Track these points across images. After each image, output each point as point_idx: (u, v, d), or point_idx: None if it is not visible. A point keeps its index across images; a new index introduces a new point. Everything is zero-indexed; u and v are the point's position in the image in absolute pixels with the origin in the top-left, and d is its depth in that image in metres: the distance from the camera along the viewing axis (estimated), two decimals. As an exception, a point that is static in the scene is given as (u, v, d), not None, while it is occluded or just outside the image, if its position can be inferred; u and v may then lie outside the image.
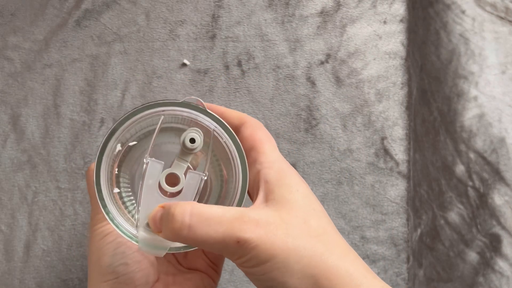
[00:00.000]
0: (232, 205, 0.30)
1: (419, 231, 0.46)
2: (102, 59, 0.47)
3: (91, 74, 0.47)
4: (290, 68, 0.47)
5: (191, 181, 0.28)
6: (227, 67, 0.47)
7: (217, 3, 0.49)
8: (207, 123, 0.30)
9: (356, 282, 0.27)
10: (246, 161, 0.30)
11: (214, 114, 0.30)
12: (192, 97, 0.30)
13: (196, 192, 0.28)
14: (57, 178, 0.44)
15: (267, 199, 0.28)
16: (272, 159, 0.30)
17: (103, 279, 0.30)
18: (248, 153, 0.31)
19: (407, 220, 0.45)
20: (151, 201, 0.27)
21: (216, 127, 0.30)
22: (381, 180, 0.46)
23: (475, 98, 0.45)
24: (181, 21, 0.48)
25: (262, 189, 0.29)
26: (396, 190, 0.46)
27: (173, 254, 0.35)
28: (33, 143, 0.45)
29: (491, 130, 0.44)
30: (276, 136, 0.46)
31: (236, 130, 0.31)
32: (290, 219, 0.27)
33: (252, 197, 0.30)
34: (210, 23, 0.48)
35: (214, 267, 0.35)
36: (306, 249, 0.26)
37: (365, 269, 0.28)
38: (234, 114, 0.33)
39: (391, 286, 0.44)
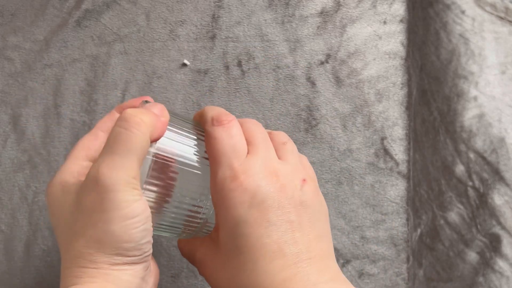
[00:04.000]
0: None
1: (419, 231, 0.46)
2: (102, 59, 0.47)
3: (91, 74, 0.47)
4: (290, 68, 0.48)
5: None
6: (227, 67, 0.47)
7: (217, 3, 0.49)
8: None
9: None
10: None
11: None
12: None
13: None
14: (57, 178, 0.44)
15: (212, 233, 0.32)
16: (212, 187, 0.30)
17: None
18: None
19: (407, 220, 0.45)
20: None
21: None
22: (381, 180, 0.46)
23: (475, 98, 0.45)
24: (181, 21, 0.48)
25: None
26: (396, 190, 0.46)
27: None
28: (33, 143, 0.45)
29: (491, 130, 0.44)
30: (276, 136, 0.46)
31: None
32: (216, 258, 0.31)
33: None
34: (210, 23, 0.48)
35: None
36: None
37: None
38: (203, 117, 0.33)
39: (391, 286, 0.44)
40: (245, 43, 0.48)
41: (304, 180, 0.31)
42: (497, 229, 0.42)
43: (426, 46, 0.48)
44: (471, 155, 0.44)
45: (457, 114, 0.45)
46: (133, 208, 0.27)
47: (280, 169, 0.30)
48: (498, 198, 0.43)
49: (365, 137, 0.47)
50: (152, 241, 0.30)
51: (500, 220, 0.42)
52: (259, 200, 0.28)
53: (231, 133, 0.30)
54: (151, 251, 0.30)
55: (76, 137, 0.45)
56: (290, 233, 0.28)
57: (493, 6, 0.48)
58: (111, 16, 0.48)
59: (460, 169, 0.44)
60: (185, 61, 0.47)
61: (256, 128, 0.32)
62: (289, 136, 0.34)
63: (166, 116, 0.31)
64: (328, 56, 0.48)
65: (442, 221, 0.44)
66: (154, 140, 0.30)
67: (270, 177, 0.29)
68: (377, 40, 0.49)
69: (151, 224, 0.29)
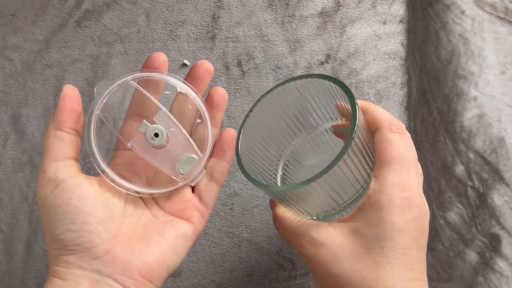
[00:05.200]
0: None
1: (419, 231, 0.46)
2: (102, 60, 0.47)
3: (91, 74, 0.47)
4: (290, 68, 0.48)
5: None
6: (227, 67, 0.47)
7: (217, 4, 0.49)
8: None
9: None
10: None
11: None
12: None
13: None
14: (57, 178, 0.45)
15: (350, 222, 0.32)
16: (376, 189, 0.30)
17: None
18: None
19: (407, 220, 0.45)
20: None
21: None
22: (381, 180, 0.46)
23: (475, 98, 0.45)
24: (181, 21, 0.48)
25: (360, 210, 0.31)
26: (396, 190, 0.46)
27: (153, 198, 0.35)
28: (33, 143, 0.45)
29: (491, 130, 0.44)
30: (276, 136, 0.46)
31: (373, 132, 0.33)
32: (346, 248, 0.30)
33: None
34: (210, 24, 0.48)
35: (202, 210, 0.34)
36: (352, 281, 0.30)
37: None
38: (376, 116, 0.33)
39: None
40: (245, 43, 0.48)
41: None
42: (497, 229, 0.42)
43: (426, 46, 0.48)
44: (471, 155, 0.44)
45: (457, 114, 0.45)
46: (49, 200, 0.31)
47: (421, 191, 0.32)
48: (498, 198, 0.43)
49: (365, 137, 0.47)
50: (75, 229, 0.30)
51: (500, 220, 0.42)
52: (418, 216, 0.30)
53: (407, 145, 0.32)
54: (80, 239, 0.30)
55: (76, 137, 0.45)
56: (422, 254, 0.31)
57: (493, 6, 0.48)
58: (111, 16, 0.48)
59: (460, 169, 0.44)
60: (185, 61, 0.47)
61: (412, 145, 0.33)
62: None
63: (70, 96, 0.33)
64: (328, 56, 0.48)
65: (442, 221, 0.44)
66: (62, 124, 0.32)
67: (423, 197, 0.31)
68: (377, 40, 0.49)
69: (64, 215, 0.30)
